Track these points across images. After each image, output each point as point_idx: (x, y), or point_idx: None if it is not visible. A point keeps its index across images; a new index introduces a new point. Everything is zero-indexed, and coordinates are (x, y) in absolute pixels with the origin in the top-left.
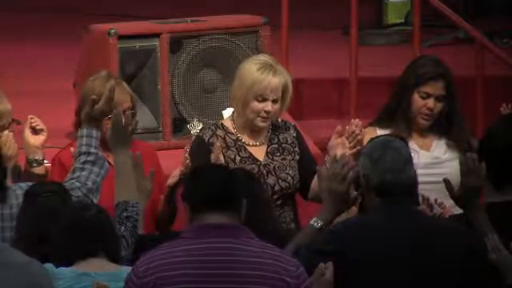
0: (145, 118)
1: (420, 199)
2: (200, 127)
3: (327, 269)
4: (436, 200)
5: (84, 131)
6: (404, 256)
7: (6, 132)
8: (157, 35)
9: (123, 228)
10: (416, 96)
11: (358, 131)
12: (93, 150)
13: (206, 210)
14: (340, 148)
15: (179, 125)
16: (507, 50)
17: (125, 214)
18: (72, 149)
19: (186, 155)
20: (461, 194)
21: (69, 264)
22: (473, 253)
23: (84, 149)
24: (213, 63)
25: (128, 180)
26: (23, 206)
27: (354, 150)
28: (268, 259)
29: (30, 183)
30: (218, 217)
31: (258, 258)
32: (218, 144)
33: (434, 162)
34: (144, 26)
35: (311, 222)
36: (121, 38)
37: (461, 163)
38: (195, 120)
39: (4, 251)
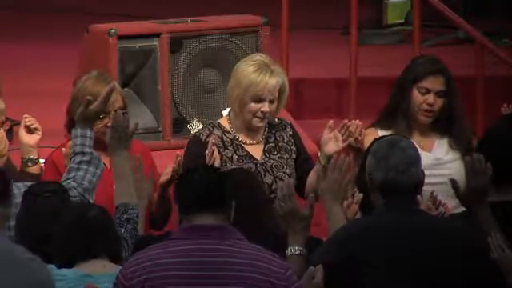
0: (145, 118)
1: (426, 197)
2: (200, 127)
3: (317, 272)
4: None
5: (78, 131)
6: (405, 256)
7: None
8: (157, 35)
9: (123, 230)
10: (416, 92)
11: (349, 123)
12: (87, 149)
13: (195, 211)
14: (332, 142)
15: (179, 125)
16: (507, 50)
17: (125, 216)
18: (63, 149)
19: (178, 153)
20: (466, 194)
21: (70, 265)
22: (474, 252)
23: (78, 149)
24: (213, 63)
25: (127, 182)
26: (23, 207)
27: (347, 143)
28: (256, 261)
29: (27, 183)
30: (206, 218)
31: (246, 259)
32: (212, 140)
33: (436, 163)
34: (144, 26)
35: (289, 254)
36: (121, 38)
37: (467, 164)
38: (195, 120)
39: (5, 251)
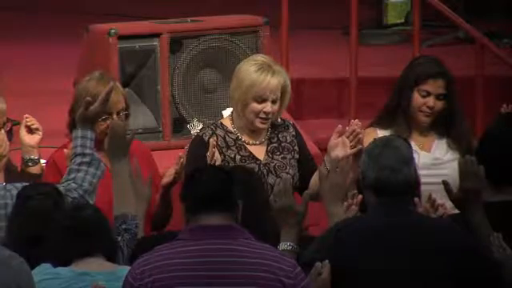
0: (145, 118)
1: (425, 199)
2: (200, 127)
3: (324, 268)
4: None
5: (79, 132)
6: (398, 256)
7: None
8: (157, 35)
9: (120, 238)
10: (416, 95)
11: (358, 130)
12: (88, 150)
13: (203, 211)
14: (340, 147)
15: (179, 125)
16: (507, 50)
17: (123, 227)
18: (65, 150)
19: (181, 154)
20: (460, 195)
21: (66, 264)
22: (470, 253)
23: (79, 150)
24: (213, 63)
25: (126, 190)
26: (14, 208)
27: (355, 150)
28: (265, 260)
29: (25, 184)
30: (214, 218)
31: (255, 258)
32: (212, 142)
33: (435, 162)
34: (144, 25)
35: (281, 249)
36: (121, 37)
37: (460, 165)
38: (195, 120)
39: None
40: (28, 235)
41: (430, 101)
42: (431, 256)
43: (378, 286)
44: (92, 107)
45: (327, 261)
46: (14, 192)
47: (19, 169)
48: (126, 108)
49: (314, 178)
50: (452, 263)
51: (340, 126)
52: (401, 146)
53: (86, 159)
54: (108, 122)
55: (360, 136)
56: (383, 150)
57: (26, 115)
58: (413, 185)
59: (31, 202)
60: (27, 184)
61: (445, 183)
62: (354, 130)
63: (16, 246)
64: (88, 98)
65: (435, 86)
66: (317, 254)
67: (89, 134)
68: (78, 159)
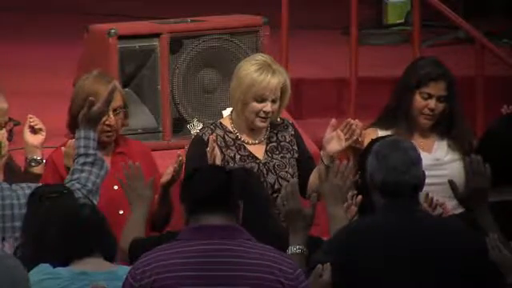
0: (145, 118)
1: (423, 198)
2: (200, 127)
3: (325, 270)
4: (437, 201)
5: (81, 133)
6: (404, 257)
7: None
8: (157, 35)
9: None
10: (417, 97)
11: (352, 122)
12: (91, 151)
13: (203, 211)
14: (335, 141)
15: (179, 125)
16: (507, 50)
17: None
18: (63, 148)
19: (179, 152)
20: (465, 195)
21: (65, 264)
22: (473, 253)
23: (82, 150)
24: (213, 63)
25: (138, 233)
26: (29, 208)
27: (350, 142)
28: (265, 260)
29: (30, 184)
30: (214, 218)
31: (255, 259)
32: (212, 138)
33: (435, 163)
34: (144, 25)
35: (290, 252)
36: (121, 37)
37: (466, 165)
38: (195, 120)
39: None
40: (44, 234)
41: (432, 103)
42: (438, 256)
43: (386, 286)
44: (95, 107)
45: (329, 263)
46: (20, 192)
47: (23, 169)
48: (124, 106)
49: (313, 177)
50: (459, 262)
51: (334, 119)
52: (409, 148)
53: (90, 159)
54: (103, 119)
55: (354, 128)
56: (391, 151)
57: (30, 115)
58: (420, 186)
59: (45, 201)
60: (39, 185)
61: (450, 182)
62: (348, 123)
63: (33, 245)
64: (91, 98)
65: (436, 88)
66: (326, 256)
67: (92, 134)
68: (82, 159)
